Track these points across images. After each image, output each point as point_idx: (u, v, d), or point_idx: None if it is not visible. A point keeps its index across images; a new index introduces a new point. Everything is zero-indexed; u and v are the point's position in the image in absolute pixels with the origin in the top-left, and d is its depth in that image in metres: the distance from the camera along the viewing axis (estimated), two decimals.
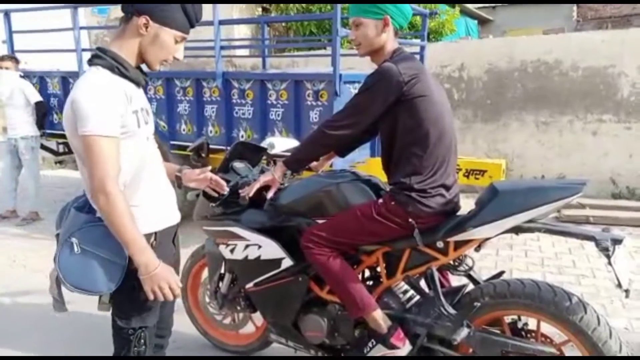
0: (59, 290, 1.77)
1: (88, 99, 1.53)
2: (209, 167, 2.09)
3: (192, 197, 2.53)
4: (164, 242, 1.79)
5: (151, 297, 1.62)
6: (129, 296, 1.70)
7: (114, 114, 1.56)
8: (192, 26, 1.70)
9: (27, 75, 5.62)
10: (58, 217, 1.84)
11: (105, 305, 1.77)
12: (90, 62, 1.64)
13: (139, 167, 1.70)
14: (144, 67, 1.75)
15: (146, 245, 1.60)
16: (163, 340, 2.03)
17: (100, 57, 1.62)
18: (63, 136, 5.82)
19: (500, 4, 16.79)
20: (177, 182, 2.04)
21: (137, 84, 1.70)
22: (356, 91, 2.08)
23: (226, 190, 2.16)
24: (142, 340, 1.78)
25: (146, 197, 1.73)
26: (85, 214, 1.70)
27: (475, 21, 15.32)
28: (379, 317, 2.10)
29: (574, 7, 16.49)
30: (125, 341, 1.79)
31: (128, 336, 1.78)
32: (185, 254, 2.21)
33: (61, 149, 6.26)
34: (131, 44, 1.65)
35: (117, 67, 1.62)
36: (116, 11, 8.68)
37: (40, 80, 5.69)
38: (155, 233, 1.74)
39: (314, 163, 2.55)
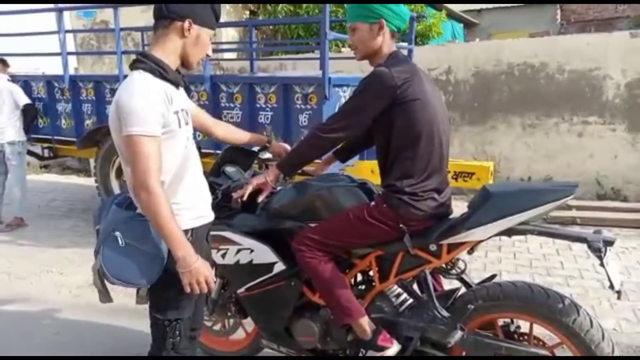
0: (102, 282, 1.85)
1: (130, 100, 1.61)
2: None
3: None
4: (199, 239, 1.86)
5: (188, 290, 1.68)
6: (166, 289, 1.78)
7: (155, 114, 1.63)
8: (217, 22, 1.83)
9: (13, 79, 5.53)
10: (97, 213, 1.94)
11: (143, 298, 1.91)
12: (132, 67, 1.72)
13: (180, 166, 1.79)
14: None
15: (185, 240, 1.67)
16: (195, 333, 2.09)
17: (142, 61, 1.71)
18: (48, 141, 5.74)
19: (485, 7, 16.94)
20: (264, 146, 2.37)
21: (177, 85, 1.78)
22: (345, 94, 2.08)
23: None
24: (178, 332, 1.85)
25: (186, 195, 1.82)
26: (125, 209, 1.79)
27: (462, 24, 15.44)
28: (365, 324, 2.09)
29: (558, 10, 16.71)
30: (161, 332, 1.86)
31: (164, 327, 1.84)
32: None
33: (46, 153, 6.15)
34: (174, 47, 1.74)
35: (158, 70, 1.70)
36: (102, 14, 8.61)
37: (24, 84, 5.59)
38: (192, 229, 1.82)
39: (312, 168, 2.54)
